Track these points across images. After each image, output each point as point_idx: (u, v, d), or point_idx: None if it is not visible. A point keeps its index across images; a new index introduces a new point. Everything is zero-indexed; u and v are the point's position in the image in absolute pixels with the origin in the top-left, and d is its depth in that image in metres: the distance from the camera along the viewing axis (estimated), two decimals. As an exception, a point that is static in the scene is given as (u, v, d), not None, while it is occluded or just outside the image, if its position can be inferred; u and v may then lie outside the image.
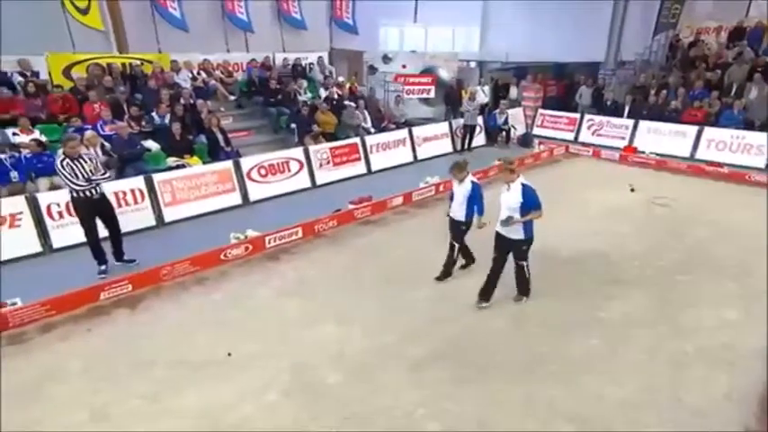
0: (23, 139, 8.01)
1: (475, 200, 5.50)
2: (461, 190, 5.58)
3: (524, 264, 5.28)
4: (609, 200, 8.82)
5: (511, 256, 5.26)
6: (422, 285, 5.84)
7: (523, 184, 4.94)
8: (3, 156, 7.40)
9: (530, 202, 4.88)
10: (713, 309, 5.38)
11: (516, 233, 5.04)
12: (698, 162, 11.03)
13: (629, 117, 13.02)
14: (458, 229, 5.73)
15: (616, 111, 13.49)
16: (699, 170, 10.57)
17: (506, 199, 5.00)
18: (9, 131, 8.10)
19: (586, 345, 4.77)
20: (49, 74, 10.04)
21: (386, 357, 4.55)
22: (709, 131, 11.60)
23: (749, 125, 11.35)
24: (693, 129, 11.80)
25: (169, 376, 4.30)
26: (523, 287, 5.46)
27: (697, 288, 5.84)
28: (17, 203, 6.52)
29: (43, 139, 8.19)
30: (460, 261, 6.09)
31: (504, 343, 4.79)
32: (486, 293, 5.36)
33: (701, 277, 6.09)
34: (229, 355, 4.54)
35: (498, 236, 5.20)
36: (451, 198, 5.76)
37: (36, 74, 9.75)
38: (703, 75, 12.88)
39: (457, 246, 5.81)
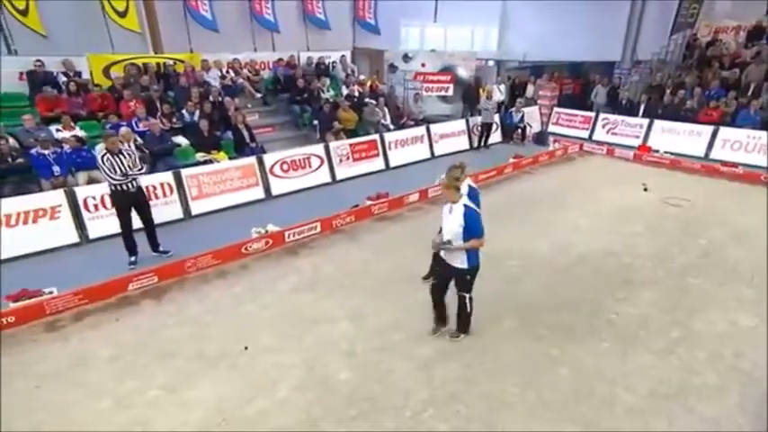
0: (65, 135, 8.06)
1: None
2: None
3: (467, 296, 4.41)
4: (622, 199, 8.41)
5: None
6: (433, 283, 5.64)
7: (466, 206, 4.08)
8: (46, 151, 7.44)
9: (471, 229, 4.03)
10: (725, 313, 5.05)
11: (459, 261, 4.21)
12: (712, 162, 10.43)
13: (644, 116, 12.41)
14: None
15: (631, 110, 12.89)
16: (713, 170, 10.00)
17: (448, 222, 4.16)
18: (53, 128, 8.19)
19: (596, 348, 4.51)
20: (90, 73, 10.12)
21: (396, 356, 4.39)
22: (725, 131, 10.95)
23: (766, 125, 10.67)
24: (709, 128, 11.14)
25: (188, 367, 4.23)
26: (463, 323, 4.57)
27: (709, 291, 5.49)
28: (57, 196, 6.55)
29: (82, 134, 8.23)
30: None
31: (513, 344, 4.56)
32: (439, 321, 4.70)
33: (714, 280, 5.73)
34: (246, 348, 4.45)
35: (438, 259, 4.43)
36: None
37: (78, 73, 9.79)
38: (719, 74, 12.18)
39: None
